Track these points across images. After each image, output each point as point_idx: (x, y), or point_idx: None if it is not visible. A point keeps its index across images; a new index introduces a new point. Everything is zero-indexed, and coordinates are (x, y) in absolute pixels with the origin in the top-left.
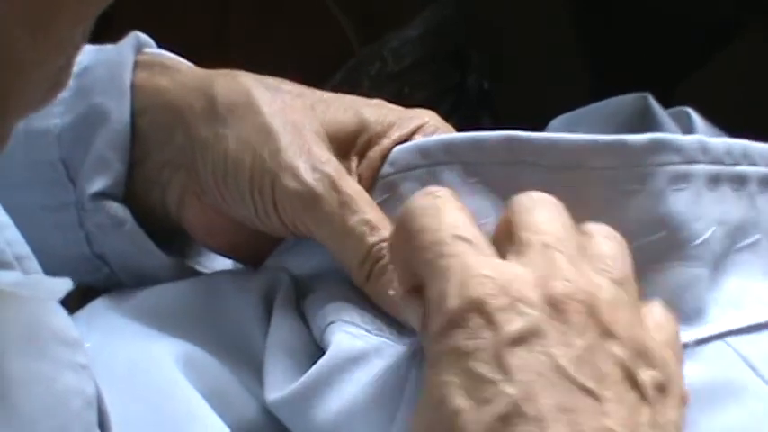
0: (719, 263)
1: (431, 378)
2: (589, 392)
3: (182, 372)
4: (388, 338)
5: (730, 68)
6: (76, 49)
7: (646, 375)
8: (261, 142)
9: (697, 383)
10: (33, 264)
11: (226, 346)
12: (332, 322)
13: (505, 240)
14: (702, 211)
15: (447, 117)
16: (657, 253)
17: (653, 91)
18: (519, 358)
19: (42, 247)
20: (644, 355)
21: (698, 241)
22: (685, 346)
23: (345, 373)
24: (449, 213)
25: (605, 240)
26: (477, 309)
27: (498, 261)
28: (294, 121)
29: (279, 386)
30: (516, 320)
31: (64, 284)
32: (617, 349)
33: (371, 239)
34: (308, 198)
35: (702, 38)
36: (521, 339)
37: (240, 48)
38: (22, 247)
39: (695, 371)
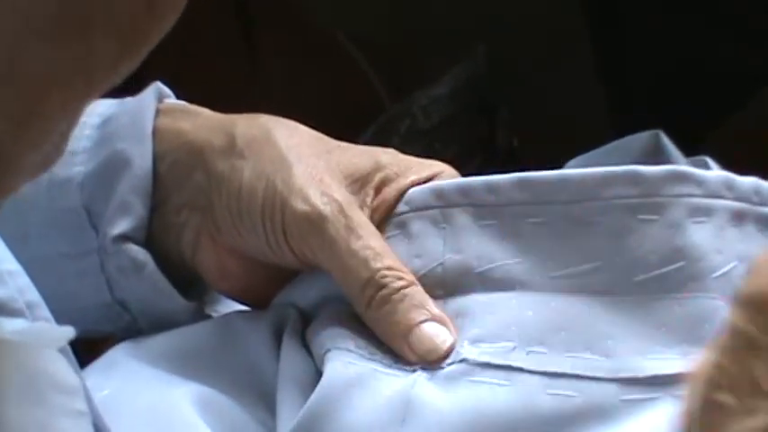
0: None
1: None
2: None
3: (199, 414)
4: (381, 363)
5: (760, 117)
6: (64, 136)
7: None
8: (275, 171)
9: None
10: (44, 311)
11: (241, 386)
12: (328, 350)
13: None
14: (724, 245)
15: (477, 173)
16: (676, 283)
17: (682, 144)
18: None
19: (64, 298)
20: None
21: (718, 273)
22: None
23: (342, 401)
24: None
25: None
26: None
27: None
28: (310, 154)
29: (290, 420)
30: None
31: (66, 332)
32: None
33: (375, 265)
34: (315, 219)
35: (732, 87)
36: None
37: (268, 103)
38: (33, 294)
39: None
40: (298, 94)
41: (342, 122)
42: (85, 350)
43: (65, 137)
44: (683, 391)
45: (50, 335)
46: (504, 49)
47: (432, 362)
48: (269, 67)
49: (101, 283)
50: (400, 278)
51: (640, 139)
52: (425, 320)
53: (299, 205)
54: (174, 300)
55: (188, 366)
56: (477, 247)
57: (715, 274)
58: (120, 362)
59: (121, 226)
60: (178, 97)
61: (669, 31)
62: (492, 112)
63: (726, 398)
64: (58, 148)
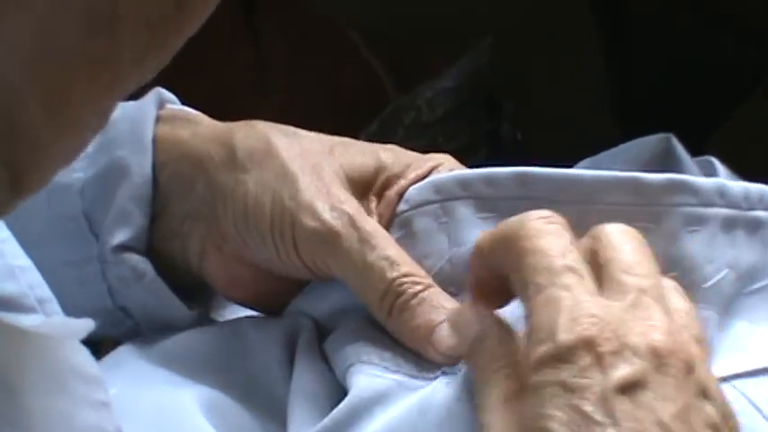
0: (728, 306)
1: (530, 407)
2: None
3: (206, 417)
4: (406, 374)
5: (758, 116)
6: (94, 132)
7: None
8: (280, 185)
9: None
10: (55, 307)
11: (249, 392)
12: (351, 364)
13: (595, 272)
14: (715, 253)
15: (481, 166)
16: None
17: (684, 139)
18: (624, 406)
19: (66, 304)
20: (729, 417)
21: (709, 284)
22: None
23: (366, 414)
24: (562, 243)
25: (677, 294)
26: (588, 348)
27: (605, 302)
28: (313, 163)
29: (304, 424)
30: (624, 367)
31: (85, 324)
32: (710, 410)
33: (392, 274)
34: (328, 236)
35: (732, 85)
36: (627, 387)
37: (271, 96)
38: (44, 290)
39: None
40: (301, 85)
41: (345, 114)
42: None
43: (94, 131)
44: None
45: (70, 327)
46: (509, 42)
47: (456, 361)
48: (272, 59)
49: (102, 290)
50: (417, 283)
51: (651, 142)
52: (445, 320)
53: (309, 222)
54: (176, 308)
55: (195, 370)
56: None
57: (706, 285)
58: (126, 361)
59: (120, 236)
60: (180, 87)
61: (674, 25)
62: (497, 106)
63: None
64: (84, 140)
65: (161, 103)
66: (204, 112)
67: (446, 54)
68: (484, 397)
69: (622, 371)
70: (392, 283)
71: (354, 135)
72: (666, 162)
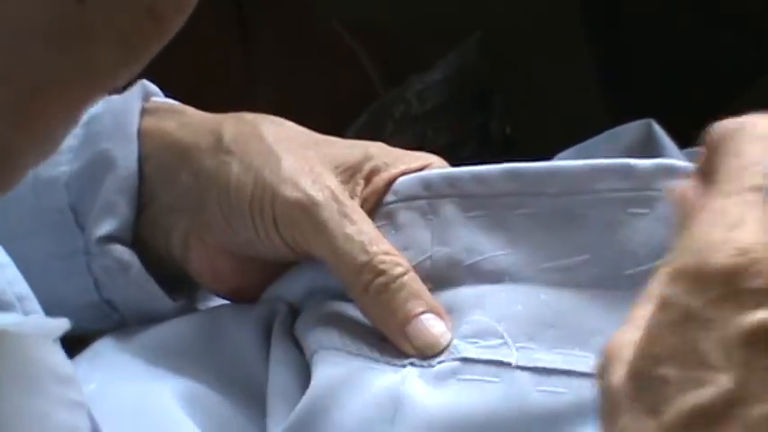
0: None
1: (654, 319)
2: None
3: (185, 410)
4: (368, 357)
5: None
6: (65, 136)
7: None
8: (263, 163)
9: None
10: (33, 304)
11: (228, 381)
12: (315, 351)
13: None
14: None
15: (470, 160)
16: None
17: (675, 134)
18: (748, 358)
19: (52, 297)
20: None
21: None
22: None
23: (332, 402)
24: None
25: None
26: (732, 279)
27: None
28: (298, 146)
29: (281, 419)
30: (763, 312)
31: (61, 324)
32: None
33: (372, 249)
34: (308, 204)
35: (726, 81)
36: (758, 336)
37: (261, 89)
38: (22, 287)
39: None
40: (291, 80)
41: (335, 108)
42: (73, 346)
43: (65, 135)
44: (597, 371)
45: (45, 326)
46: (498, 35)
47: (428, 356)
48: (262, 52)
49: (88, 284)
50: (398, 264)
51: (632, 128)
52: (423, 312)
53: (290, 193)
54: (161, 300)
55: (174, 360)
56: (466, 239)
57: None
58: (104, 354)
59: (106, 227)
60: (169, 79)
61: (666, 17)
62: (486, 99)
63: (669, 371)
64: (56, 145)
65: (146, 96)
66: (194, 107)
67: (436, 49)
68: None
69: (760, 316)
70: (373, 257)
71: (344, 129)
72: (648, 147)
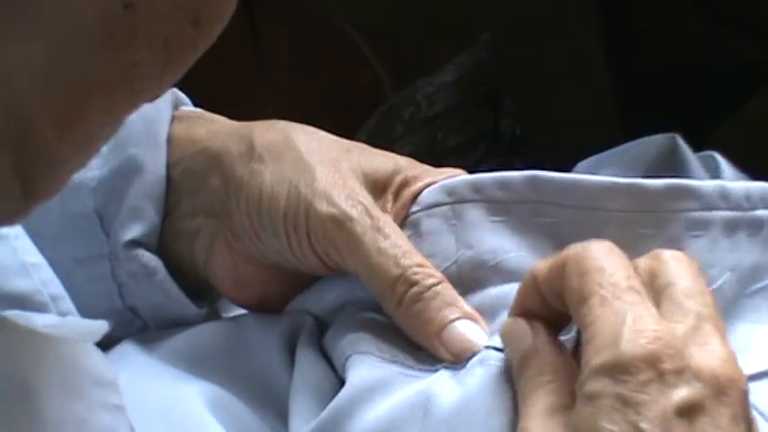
0: (730, 308)
1: (583, 418)
2: None
3: (211, 413)
4: (404, 365)
5: (762, 113)
6: (106, 141)
7: None
8: (297, 175)
9: None
10: (67, 303)
11: (252, 388)
12: (349, 356)
13: (653, 298)
14: (717, 258)
15: (480, 162)
16: None
17: (685, 135)
18: (681, 428)
19: (75, 302)
20: None
21: (711, 288)
22: None
23: (365, 403)
24: (626, 265)
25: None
26: (651, 363)
27: (666, 323)
28: (330, 158)
29: (304, 425)
30: (685, 389)
31: (100, 326)
32: None
33: (406, 262)
34: (342, 219)
35: (735, 83)
36: (686, 410)
37: (271, 91)
38: (57, 287)
39: None
40: (300, 81)
41: (345, 110)
42: None
43: (105, 141)
44: None
45: (85, 328)
46: (508, 37)
47: (464, 360)
48: (273, 54)
49: (112, 290)
50: (431, 275)
51: (656, 142)
52: (458, 318)
53: (325, 207)
54: (185, 307)
55: (199, 366)
56: (490, 241)
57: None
58: (128, 357)
59: (133, 231)
60: (179, 80)
61: (678, 19)
62: (496, 101)
63: None
64: (96, 151)
65: (176, 104)
66: (203, 109)
67: (446, 51)
68: (529, 405)
69: (684, 392)
70: (406, 270)
71: (354, 131)
72: (671, 162)
